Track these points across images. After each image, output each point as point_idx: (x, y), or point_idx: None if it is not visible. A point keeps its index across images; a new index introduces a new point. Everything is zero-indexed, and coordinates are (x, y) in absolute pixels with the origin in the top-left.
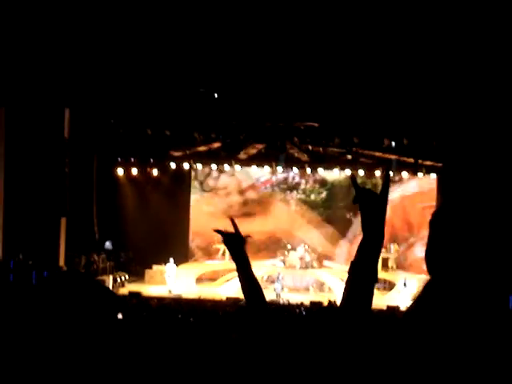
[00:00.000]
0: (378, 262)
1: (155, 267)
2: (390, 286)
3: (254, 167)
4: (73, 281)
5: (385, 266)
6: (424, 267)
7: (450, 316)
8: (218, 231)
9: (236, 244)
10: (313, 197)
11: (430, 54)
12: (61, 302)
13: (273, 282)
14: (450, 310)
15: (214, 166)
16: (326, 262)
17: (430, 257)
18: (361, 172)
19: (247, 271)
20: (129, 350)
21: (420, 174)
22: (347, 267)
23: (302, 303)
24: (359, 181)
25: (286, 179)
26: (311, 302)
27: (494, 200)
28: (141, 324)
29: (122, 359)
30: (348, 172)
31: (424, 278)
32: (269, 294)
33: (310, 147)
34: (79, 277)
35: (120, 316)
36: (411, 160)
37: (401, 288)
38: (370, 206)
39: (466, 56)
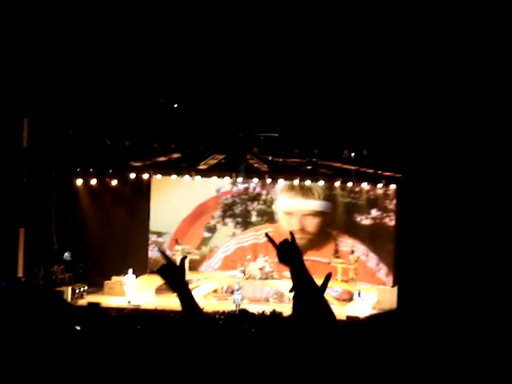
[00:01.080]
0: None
1: (114, 278)
2: (350, 296)
3: (214, 178)
4: (31, 292)
5: (346, 275)
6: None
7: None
8: (155, 271)
9: (172, 273)
10: (274, 207)
11: (386, 67)
12: (18, 313)
13: (232, 292)
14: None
15: (173, 177)
16: (286, 273)
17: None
18: (321, 182)
19: (187, 298)
20: (87, 360)
21: (379, 185)
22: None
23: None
24: (319, 192)
25: (246, 189)
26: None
27: (452, 210)
28: (99, 335)
29: (80, 370)
30: (308, 182)
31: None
32: (229, 305)
33: (270, 158)
34: (37, 288)
35: (78, 327)
36: (371, 171)
37: (356, 298)
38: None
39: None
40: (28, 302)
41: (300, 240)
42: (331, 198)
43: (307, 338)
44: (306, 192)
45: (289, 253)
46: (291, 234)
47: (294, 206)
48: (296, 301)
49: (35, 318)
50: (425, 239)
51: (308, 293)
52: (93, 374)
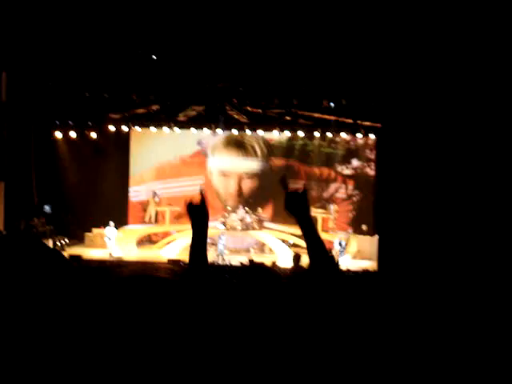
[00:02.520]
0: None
1: (95, 230)
2: (330, 246)
3: (193, 129)
4: (18, 243)
5: (325, 226)
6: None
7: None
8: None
9: (199, 216)
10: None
11: (365, 15)
12: (5, 266)
13: (213, 244)
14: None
15: (153, 129)
16: (266, 224)
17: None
18: (300, 133)
19: (202, 243)
20: (76, 312)
21: (359, 135)
22: (287, 228)
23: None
24: (300, 142)
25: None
26: (250, 261)
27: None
28: (84, 286)
29: (68, 321)
30: (287, 133)
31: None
32: (210, 256)
33: (250, 109)
34: (24, 239)
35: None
36: (350, 121)
37: (337, 248)
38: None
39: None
40: (14, 254)
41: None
42: (312, 148)
43: (323, 288)
44: (245, 148)
45: (297, 203)
46: (304, 185)
47: (230, 166)
48: (311, 254)
49: (22, 268)
50: (404, 188)
51: (317, 246)
52: (81, 326)
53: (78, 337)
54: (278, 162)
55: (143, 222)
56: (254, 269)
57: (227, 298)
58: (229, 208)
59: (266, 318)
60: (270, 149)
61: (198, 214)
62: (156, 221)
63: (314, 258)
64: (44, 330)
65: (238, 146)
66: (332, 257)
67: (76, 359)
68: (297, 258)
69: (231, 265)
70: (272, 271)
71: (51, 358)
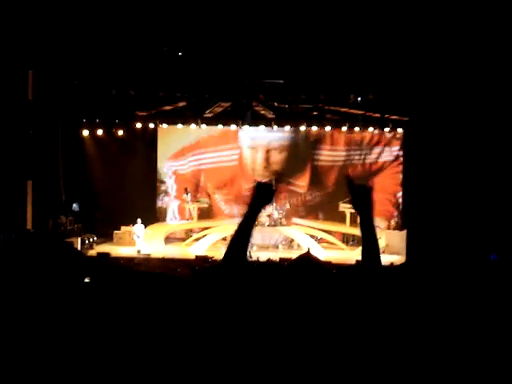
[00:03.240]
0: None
1: (123, 228)
2: (359, 241)
3: (220, 126)
4: (42, 242)
5: (354, 221)
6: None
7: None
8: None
9: (264, 196)
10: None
11: (392, 11)
12: (30, 263)
13: None
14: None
15: (179, 126)
16: (294, 219)
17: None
18: (327, 128)
19: (250, 224)
20: (98, 311)
21: (387, 129)
22: (315, 224)
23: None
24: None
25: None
26: (280, 259)
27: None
28: (111, 285)
29: (94, 322)
30: (315, 129)
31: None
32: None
33: (276, 104)
34: (48, 238)
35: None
36: (377, 115)
37: None
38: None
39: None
40: (40, 253)
41: None
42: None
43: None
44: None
45: (363, 200)
46: (369, 183)
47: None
48: (365, 251)
49: (48, 267)
50: (431, 182)
51: (373, 246)
52: (103, 325)
53: (92, 333)
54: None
55: (183, 217)
56: (303, 264)
57: (268, 296)
58: None
59: (319, 314)
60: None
61: (262, 193)
62: (191, 217)
63: (367, 256)
64: (62, 327)
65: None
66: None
67: (93, 355)
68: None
69: (259, 261)
70: (321, 266)
71: (71, 351)
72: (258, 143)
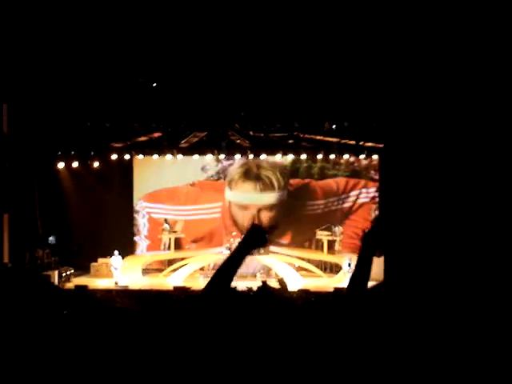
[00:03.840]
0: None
1: (100, 260)
2: (337, 268)
3: (196, 156)
4: (19, 277)
5: (331, 248)
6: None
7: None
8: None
9: (257, 239)
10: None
11: (365, 39)
12: (7, 299)
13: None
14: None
15: (155, 156)
16: (272, 248)
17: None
18: (303, 156)
19: (238, 262)
20: (77, 343)
21: (362, 156)
22: (293, 252)
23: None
24: (304, 165)
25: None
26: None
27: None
28: (89, 318)
29: (70, 353)
30: (291, 157)
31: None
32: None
33: (252, 133)
34: (26, 273)
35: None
36: (353, 142)
37: (346, 268)
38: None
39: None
40: (17, 287)
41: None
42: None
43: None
44: (262, 181)
45: (372, 244)
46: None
47: (250, 200)
48: (353, 285)
49: (25, 302)
50: (408, 208)
51: (363, 281)
52: (84, 358)
53: (77, 370)
54: (294, 182)
55: (159, 249)
56: (264, 294)
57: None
58: (234, 233)
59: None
60: (287, 176)
61: (256, 237)
62: (169, 248)
63: (354, 288)
64: (45, 362)
65: (255, 179)
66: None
67: None
68: (282, 283)
69: (236, 290)
70: (282, 296)
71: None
72: (250, 203)
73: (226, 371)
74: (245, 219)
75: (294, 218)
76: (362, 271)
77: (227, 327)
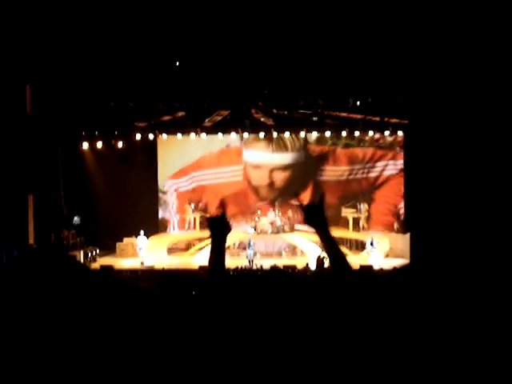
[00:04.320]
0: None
1: (126, 240)
2: (362, 245)
3: (220, 134)
4: (46, 257)
5: (356, 226)
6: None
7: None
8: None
9: (220, 229)
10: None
11: (388, 14)
12: (35, 280)
13: (244, 248)
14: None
15: (179, 136)
16: (297, 226)
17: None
18: (327, 133)
19: (220, 254)
20: (106, 326)
21: (387, 132)
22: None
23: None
24: (329, 142)
25: None
26: (284, 266)
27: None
28: (115, 297)
29: (98, 335)
30: (315, 134)
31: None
32: (241, 261)
33: (275, 111)
34: (52, 253)
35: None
36: (377, 118)
37: (369, 248)
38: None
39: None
40: (44, 268)
41: None
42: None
43: (343, 291)
44: (275, 144)
45: (315, 215)
46: (321, 195)
47: (261, 159)
48: (332, 260)
49: (54, 282)
50: (433, 184)
51: (335, 253)
52: (106, 338)
53: (95, 346)
54: (317, 148)
55: (183, 228)
56: (274, 275)
57: (245, 305)
58: (259, 212)
59: (286, 320)
60: (304, 139)
61: (218, 226)
62: (194, 227)
63: (333, 263)
64: (67, 340)
65: (269, 138)
66: (348, 262)
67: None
68: (320, 260)
69: (261, 269)
70: (293, 276)
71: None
72: (261, 162)
73: (231, 356)
74: (258, 179)
75: (312, 182)
76: (331, 248)
77: (232, 310)
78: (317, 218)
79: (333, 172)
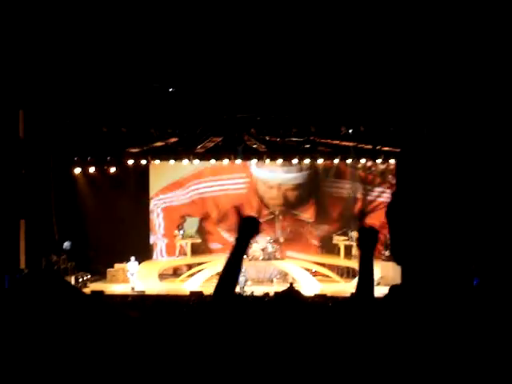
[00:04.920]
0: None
1: (117, 265)
2: (353, 273)
3: (212, 161)
4: (43, 282)
5: (348, 254)
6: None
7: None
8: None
9: (250, 230)
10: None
11: (380, 42)
12: (31, 305)
13: None
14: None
15: (171, 161)
16: (288, 253)
17: (393, 247)
18: (320, 160)
19: (240, 258)
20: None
21: (379, 160)
22: (310, 257)
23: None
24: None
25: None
26: (275, 293)
27: (449, 185)
28: (105, 322)
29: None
30: (307, 161)
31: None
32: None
33: (268, 138)
34: (48, 277)
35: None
36: (369, 146)
37: None
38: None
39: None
40: (37, 291)
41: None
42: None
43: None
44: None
45: (370, 241)
46: (373, 228)
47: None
48: (361, 284)
49: (45, 305)
50: (425, 212)
51: (368, 284)
52: (103, 360)
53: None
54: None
55: (173, 254)
56: (283, 299)
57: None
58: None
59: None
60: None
61: (249, 226)
62: (185, 253)
63: (361, 289)
64: (63, 365)
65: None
66: (373, 295)
67: None
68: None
69: (253, 296)
70: (301, 300)
71: None
72: (275, 181)
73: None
74: (269, 195)
75: (318, 194)
76: (365, 271)
77: (238, 333)
78: (370, 243)
79: (336, 184)
